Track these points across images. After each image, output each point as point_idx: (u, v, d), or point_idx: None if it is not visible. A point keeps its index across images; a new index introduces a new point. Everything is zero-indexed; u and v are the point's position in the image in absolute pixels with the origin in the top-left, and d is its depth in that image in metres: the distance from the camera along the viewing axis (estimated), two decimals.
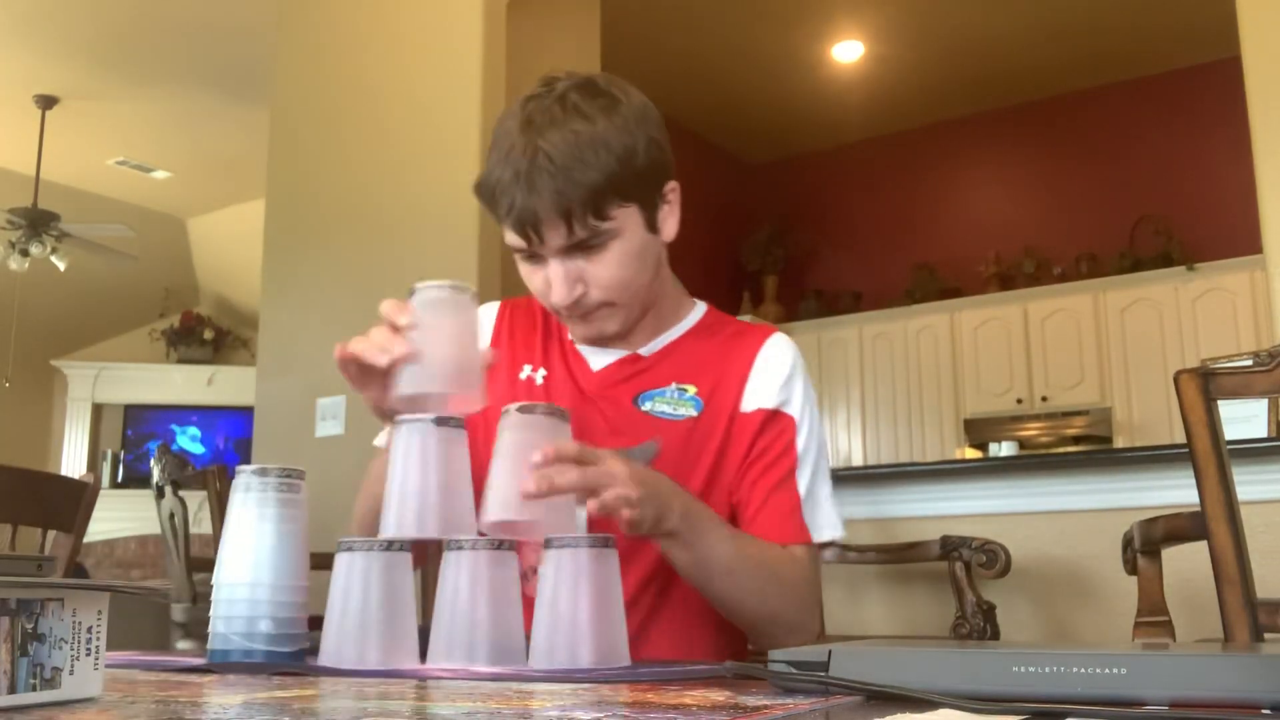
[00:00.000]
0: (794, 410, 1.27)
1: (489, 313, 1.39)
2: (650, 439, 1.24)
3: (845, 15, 6.14)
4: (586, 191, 1.12)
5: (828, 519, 1.26)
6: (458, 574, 0.94)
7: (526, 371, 1.32)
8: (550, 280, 1.19)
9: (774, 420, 1.26)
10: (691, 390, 1.26)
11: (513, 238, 1.18)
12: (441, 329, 1.04)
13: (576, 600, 0.91)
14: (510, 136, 1.15)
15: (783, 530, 1.22)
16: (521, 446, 1.01)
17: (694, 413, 1.25)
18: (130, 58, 6.20)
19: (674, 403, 1.26)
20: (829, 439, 7.16)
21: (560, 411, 1.07)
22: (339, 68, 4.29)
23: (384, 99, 4.10)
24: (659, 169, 1.20)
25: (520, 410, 1.05)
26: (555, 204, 1.12)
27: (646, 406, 1.26)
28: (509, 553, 0.95)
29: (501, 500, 1.01)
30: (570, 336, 1.32)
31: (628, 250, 1.19)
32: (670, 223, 1.25)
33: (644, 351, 1.30)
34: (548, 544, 0.94)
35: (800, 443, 1.26)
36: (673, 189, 1.24)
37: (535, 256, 1.19)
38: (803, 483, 1.25)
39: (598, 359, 1.30)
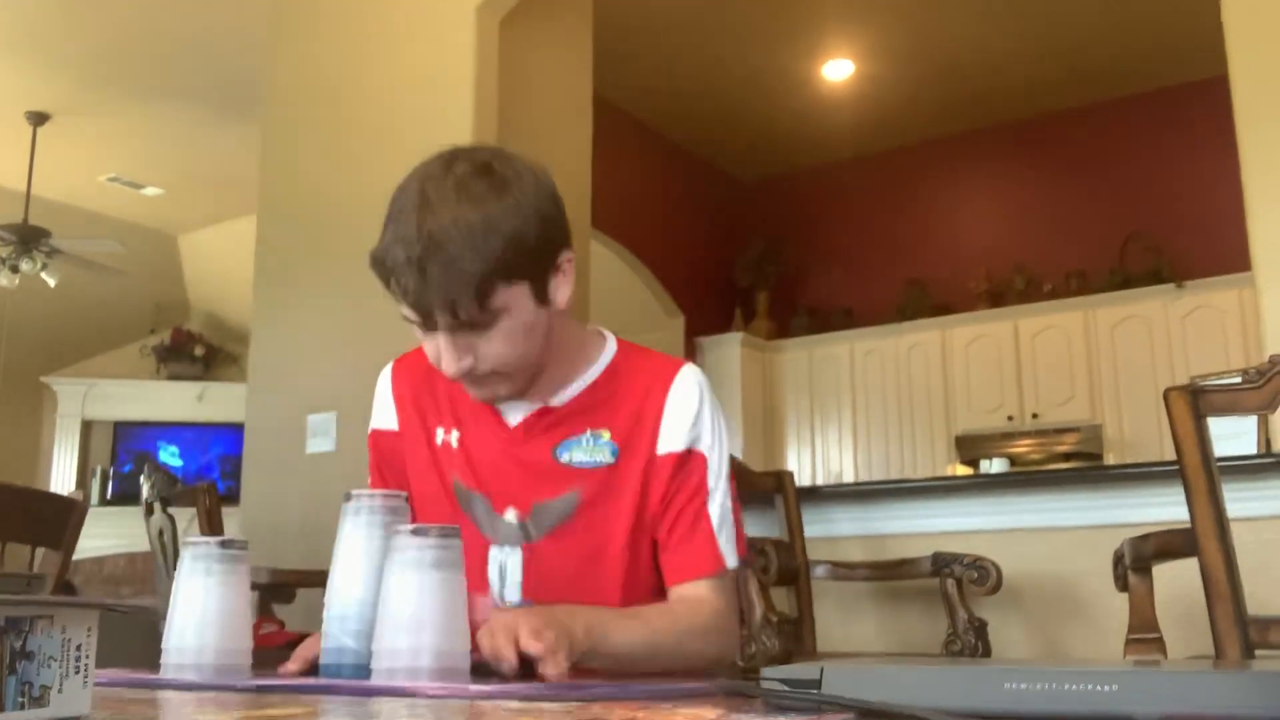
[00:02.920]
0: (704, 446, 1.32)
1: (384, 383, 1.41)
2: (571, 490, 1.29)
3: (836, 34, 6.17)
4: (474, 281, 1.15)
5: (735, 540, 1.32)
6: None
7: (441, 435, 1.35)
8: (440, 352, 1.23)
9: (687, 460, 1.31)
10: (606, 435, 1.31)
11: (406, 310, 1.21)
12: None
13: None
14: (405, 214, 1.17)
15: (696, 566, 1.29)
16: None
17: (610, 459, 1.30)
18: (122, 74, 6.20)
19: (590, 450, 1.30)
20: (822, 452, 7.17)
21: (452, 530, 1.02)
22: (331, 84, 4.29)
23: (376, 114, 4.10)
24: (550, 244, 1.23)
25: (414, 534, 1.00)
26: (443, 293, 1.15)
27: (565, 458, 1.30)
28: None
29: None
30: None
31: (516, 327, 1.21)
32: (563, 291, 1.27)
33: (555, 402, 1.32)
34: None
35: (711, 476, 1.32)
36: (567, 259, 1.26)
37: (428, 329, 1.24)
38: (715, 513, 1.31)
39: (513, 414, 1.32)
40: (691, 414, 1.32)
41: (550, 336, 1.28)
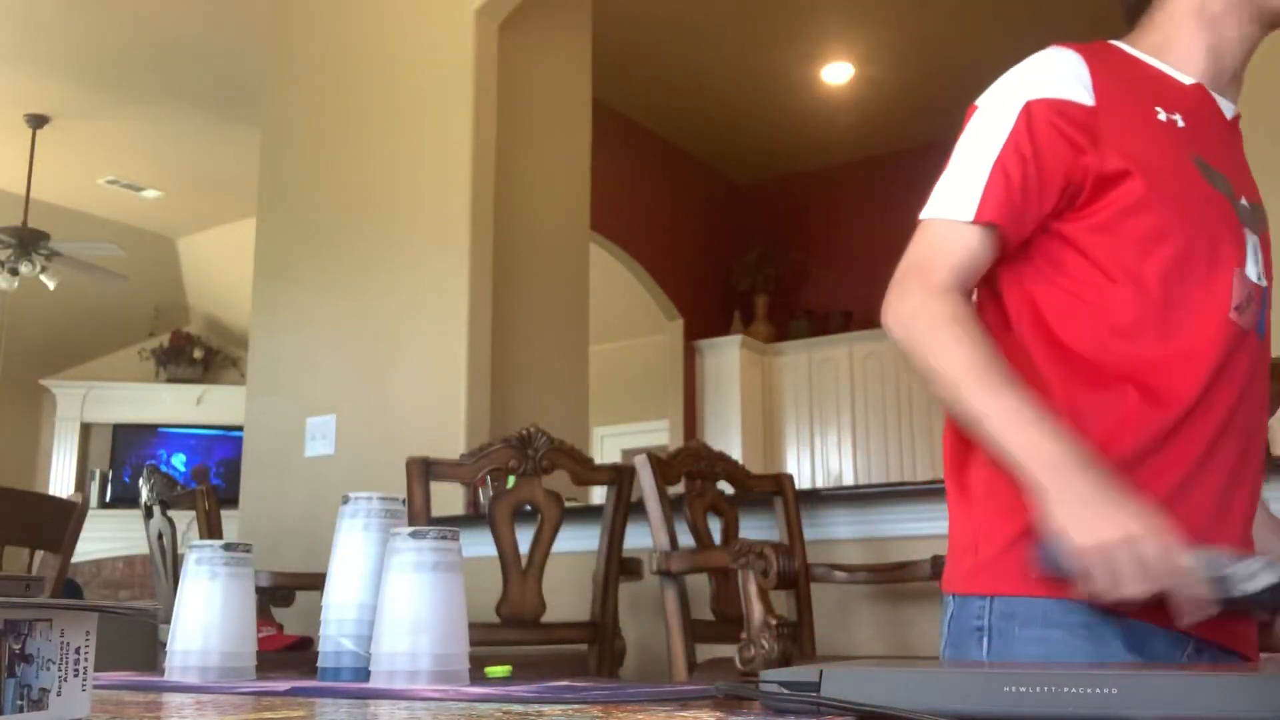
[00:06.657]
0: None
1: (1066, 59, 1.25)
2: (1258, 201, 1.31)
3: (835, 38, 6.18)
4: None
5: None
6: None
7: (1163, 115, 1.25)
8: None
9: None
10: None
11: None
12: None
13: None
14: None
15: None
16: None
17: None
18: (121, 77, 6.21)
19: None
20: (821, 456, 7.17)
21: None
22: (330, 87, 4.30)
23: (375, 118, 4.10)
24: None
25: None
26: None
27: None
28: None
29: None
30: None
31: None
32: None
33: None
34: None
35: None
36: None
37: None
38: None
39: (1227, 109, 1.33)
40: None
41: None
